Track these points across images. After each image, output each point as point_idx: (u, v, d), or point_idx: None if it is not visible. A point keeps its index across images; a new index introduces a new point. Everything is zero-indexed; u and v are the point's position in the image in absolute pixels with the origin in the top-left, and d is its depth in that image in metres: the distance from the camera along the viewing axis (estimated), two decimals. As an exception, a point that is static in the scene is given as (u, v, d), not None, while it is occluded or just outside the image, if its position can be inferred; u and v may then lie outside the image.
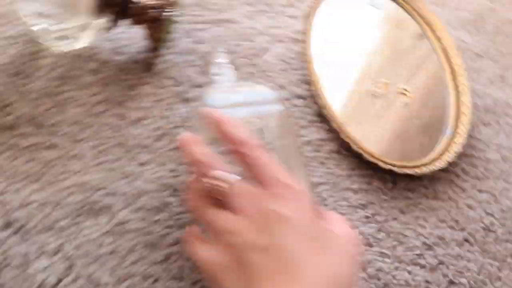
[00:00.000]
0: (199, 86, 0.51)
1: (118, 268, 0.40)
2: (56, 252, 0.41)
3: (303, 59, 0.53)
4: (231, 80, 0.42)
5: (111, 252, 0.41)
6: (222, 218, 0.30)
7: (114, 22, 0.51)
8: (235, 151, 0.32)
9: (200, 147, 0.34)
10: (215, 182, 0.32)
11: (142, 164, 0.46)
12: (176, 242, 0.42)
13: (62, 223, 0.42)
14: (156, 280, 0.40)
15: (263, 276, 0.27)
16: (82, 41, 0.51)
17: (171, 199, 0.44)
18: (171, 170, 0.45)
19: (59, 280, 0.40)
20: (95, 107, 0.49)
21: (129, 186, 0.44)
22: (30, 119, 0.47)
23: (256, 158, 0.31)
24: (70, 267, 0.40)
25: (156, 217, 0.43)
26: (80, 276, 0.40)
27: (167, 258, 0.41)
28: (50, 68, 0.51)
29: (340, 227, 0.31)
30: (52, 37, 0.49)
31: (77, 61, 0.52)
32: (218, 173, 0.32)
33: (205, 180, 0.32)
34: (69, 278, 0.40)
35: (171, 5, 0.50)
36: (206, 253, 0.31)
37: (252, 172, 0.31)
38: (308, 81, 0.52)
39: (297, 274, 0.27)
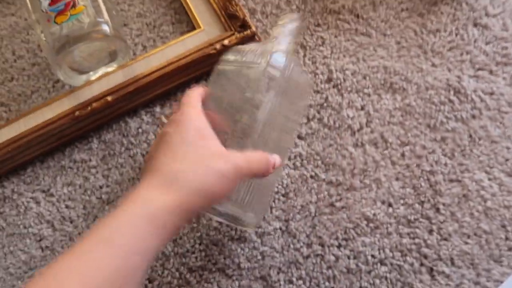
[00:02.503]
0: (493, 15, 0.58)
1: (402, 135, 0.52)
2: (361, 108, 0.54)
3: None
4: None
5: (400, 123, 0.53)
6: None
7: None
8: None
9: (194, 94, 0.41)
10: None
11: (434, 65, 0.56)
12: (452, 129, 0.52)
13: (367, 90, 0.55)
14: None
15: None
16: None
17: (453, 98, 0.54)
18: (457, 76, 0.55)
19: (361, 128, 0.53)
20: (401, 13, 0.60)
21: (422, 79, 0.55)
22: (351, 10, 0.60)
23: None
24: (369, 122, 0.54)
25: (442, 107, 0.53)
26: (374, 131, 0.53)
27: (443, 138, 0.52)
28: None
29: (215, 155, 0.37)
30: None
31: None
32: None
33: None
34: (367, 129, 0.53)
35: None
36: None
37: None
38: None
39: (155, 172, 0.36)
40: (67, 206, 0.54)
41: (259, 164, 0.38)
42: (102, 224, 0.33)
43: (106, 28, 0.54)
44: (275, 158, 0.39)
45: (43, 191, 0.55)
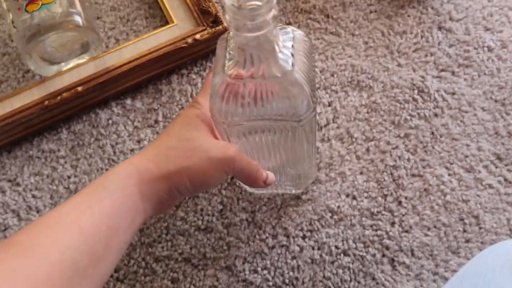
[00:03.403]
0: (456, 20, 0.61)
1: (367, 131, 0.54)
2: (328, 104, 0.56)
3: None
4: None
5: (365, 120, 0.55)
6: None
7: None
8: None
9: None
10: None
11: (400, 65, 0.58)
12: (416, 126, 0.54)
13: (335, 87, 0.57)
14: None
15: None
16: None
17: (417, 96, 0.56)
18: (421, 76, 0.57)
19: (327, 123, 0.55)
20: (370, 14, 0.62)
21: (387, 78, 0.57)
22: (322, 9, 0.62)
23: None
24: (335, 117, 0.55)
25: (406, 105, 0.55)
26: (340, 127, 0.55)
27: (406, 135, 0.54)
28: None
29: (210, 142, 0.38)
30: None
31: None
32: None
33: None
34: (334, 125, 0.55)
35: None
36: None
37: None
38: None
39: (153, 145, 0.39)
40: (33, 196, 0.53)
41: (250, 166, 0.39)
42: (93, 182, 0.35)
43: (78, 19, 0.54)
44: (269, 174, 0.42)
45: (9, 181, 0.55)
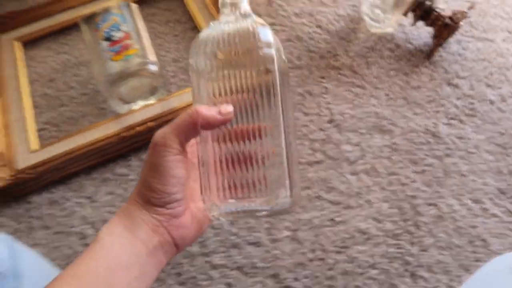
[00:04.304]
0: (462, 78, 0.73)
1: (389, 167, 0.65)
2: (356, 144, 0.67)
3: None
4: None
5: (387, 158, 0.66)
6: None
7: (414, 21, 0.76)
8: None
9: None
10: None
11: (415, 114, 0.70)
12: (429, 164, 0.65)
13: (361, 130, 0.68)
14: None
15: None
16: (388, 28, 0.77)
17: (431, 139, 0.67)
18: (434, 123, 0.68)
19: (356, 160, 0.66)
20: (390, 71, 0.74)
21: (405, 124, 0.68)
22: (349, 67, 0.75)
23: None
24: (362, 155, 0.66)
25: (422, 147, 0.66)
26: (367, 163, 0.65)
27: (423, 171, 0.64)
28: (364, 40, 0.78)
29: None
30: (371, 19, 0.76)
31: (381, 40, 0.77)
32: None
33: None
34: (361, 161, 0.66)
35: (464, 18, 0.73)
36: None
37: None
38: None
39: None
40: (108, 211, 0.63)
41: (185, 116, 0.37)
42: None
43: (153, 67, 0.67)
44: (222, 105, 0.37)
45: (87, 198, 0.65)
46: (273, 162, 0.37)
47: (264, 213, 0.37)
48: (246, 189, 0.37)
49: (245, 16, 0.39)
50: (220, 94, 0.38)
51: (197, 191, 0.41)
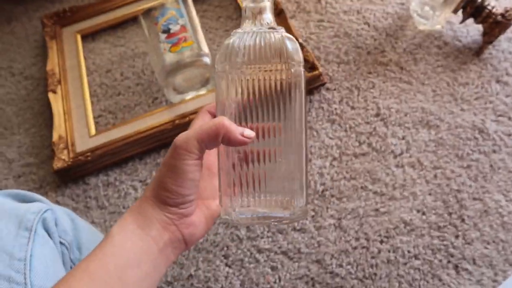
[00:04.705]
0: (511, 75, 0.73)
1: (435, 161, 0.65)
2: (402, 138, 0.68)
3: None
4: None
5: (433, 152, 0.66)
6: None
7: (464, 18, 0.76)
8: None
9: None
10: None
11: (463, 110, 0.70)
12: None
13: (407, 125, 0.69)
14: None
15: None
16: (436, 26, 0.78)
17: (478, 136, 0.67)
18: (481, 119, 0.68)
19: (401, 153, 0.66)
20: (437, 68, 0.74)
21: (452, 119, 0.69)
22: (397, 63, 0.75)
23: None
24: (408, 149, 0.67)
25: (468, 142, 0.67)
26: (412, 156, 0.66)
27: (469, 166, 0.65)
28: (412, 37, 0.78)
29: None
30: (419, 16, 0.77)
31: (429, 37, 0.78)
32: None
33: None
34: (407, 154, 0.66)
35: (516, 16, 0.72)
36: None
37: None
38: None
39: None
40: (160, 194, 0.67)
41: (210, 125, 0.37)
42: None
43: (206, 59, 0.70)
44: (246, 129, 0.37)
45: (140, 181, 0.69)
46: (294, 175, 0.38)
47: (284, 221, 0.39)
48: (264, 196, 0.38)
49: (270, 26, 0.39)
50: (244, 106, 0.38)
51: (206, 189, 0.42)
